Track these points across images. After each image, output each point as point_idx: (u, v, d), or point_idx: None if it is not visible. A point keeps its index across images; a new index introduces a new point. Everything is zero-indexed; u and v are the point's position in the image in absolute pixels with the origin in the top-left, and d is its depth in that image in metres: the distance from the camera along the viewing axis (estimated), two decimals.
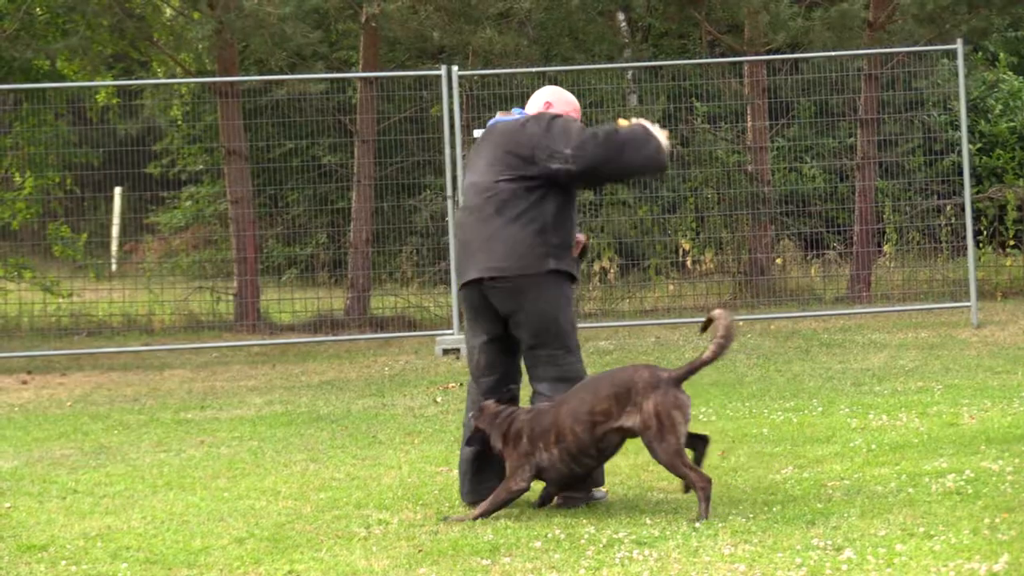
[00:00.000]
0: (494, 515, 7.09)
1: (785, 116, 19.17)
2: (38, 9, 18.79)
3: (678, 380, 6.96)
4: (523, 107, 7.81)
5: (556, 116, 7.47)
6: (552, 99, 7.76)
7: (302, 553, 6.48)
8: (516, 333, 7.42)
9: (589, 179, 7.61)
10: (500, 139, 7.51)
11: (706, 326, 7.17)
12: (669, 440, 6.82)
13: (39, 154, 18.61)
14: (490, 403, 7.30)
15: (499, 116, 7.70)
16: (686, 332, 16.09)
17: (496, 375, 7.51)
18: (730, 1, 18.78)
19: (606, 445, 7.00)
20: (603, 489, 7.45)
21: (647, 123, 7.46)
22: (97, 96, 20.63)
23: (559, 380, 7.33)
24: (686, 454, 6.88)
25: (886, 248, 18.36)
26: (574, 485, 7.25)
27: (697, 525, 6.58)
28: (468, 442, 7.34)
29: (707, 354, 6.97)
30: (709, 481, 6.81)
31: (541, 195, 7.36)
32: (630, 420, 6.89)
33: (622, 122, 7.53)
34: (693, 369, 7.03)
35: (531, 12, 17.89)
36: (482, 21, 17.83)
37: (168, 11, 19.75)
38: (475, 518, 7.02)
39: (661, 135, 7.42)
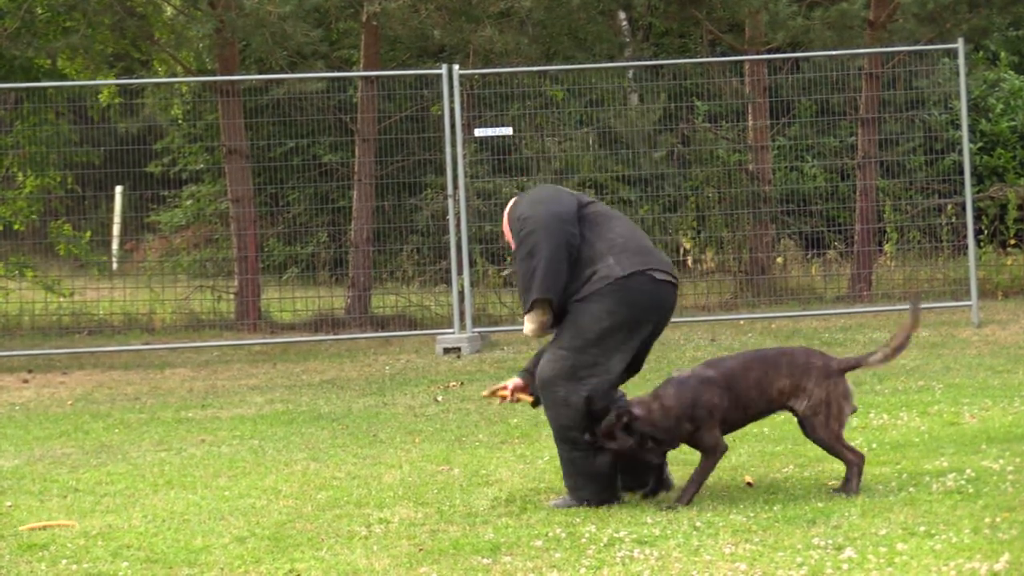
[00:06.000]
0: (496, 514, 7.09)
1: (786, 115, 19.17)
2: (39, 8, 18.77)
3: (845, 370, 7.26)
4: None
5: None
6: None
7: (303, 552, 6.48)
8: (646, 343, 7.44)
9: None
10: None
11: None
12: (832, 426, 7.15)
13: (40, 153, 18.61)
14: (634, 408, 7.21)
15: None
16: (687, 331, 16.08)
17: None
18: (730, 0, 18.78)
19: (760, 419, 7.46)
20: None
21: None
22: (99, 96, 20.62)
23: None
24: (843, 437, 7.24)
25: (887, 247, 18.36)
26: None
27: (845, 496, 6.96)
28: (644, 455, 7.27)
29: (876, 356, 7.30)
30: (862, 458, 7.22)
31: None
32: (800, 404, 7.17)
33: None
34: (859, 364, 7.33)
35: (532, 11, 17.87)
36: (483, 20, 17.82)
37: (169, 10, 19.74)
38: (689, 500, 7.19)
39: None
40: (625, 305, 7.18)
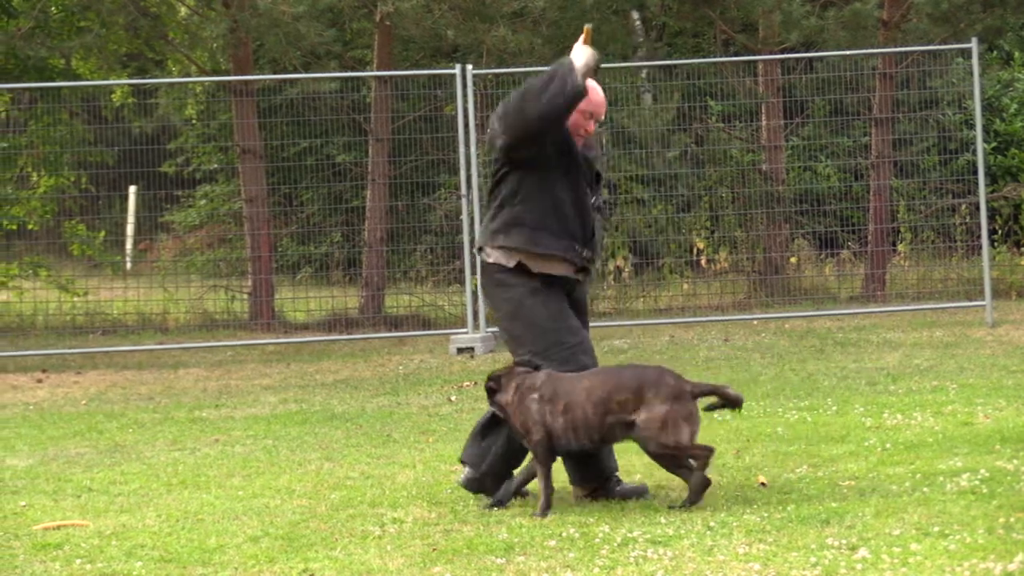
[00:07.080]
0: (509, 513, 7.10)
1: (799, 115, 19.15)
2: (53, 7, 18.83)
3: (696, 395, 7.07)
4: None
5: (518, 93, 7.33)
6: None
7: (316, 552, 6.48)
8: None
9: (523, 144, 7.21)
10: None
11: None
12: (664, 440, 6.93)
13: (54, 153, 18.66)
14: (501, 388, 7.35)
15: None
16: (700, 331, 16.08)
17: None
18: (744, 0, 18.77)
19: (610, 434, 7.09)
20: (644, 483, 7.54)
21: (576, 52, 7.27)
22: (113, 96, 20.67)
23: None
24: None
25: (901, 247, 18.34)
26: (593, 476, 7.35)
27: (672, 510, 6.88)
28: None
29: (730, 390, 7.13)
30: (707, 482, 7.06)
31: (501, 176, 7.41)
32: (639, 416, 6.96)
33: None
34: (715, 392, 7.15)
35: (545, 10, 17.88)
36: (496, 20, 17.83)
37: (183, 10, 19.79)
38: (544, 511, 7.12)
39: (581, 55, 7.21)
40: None
